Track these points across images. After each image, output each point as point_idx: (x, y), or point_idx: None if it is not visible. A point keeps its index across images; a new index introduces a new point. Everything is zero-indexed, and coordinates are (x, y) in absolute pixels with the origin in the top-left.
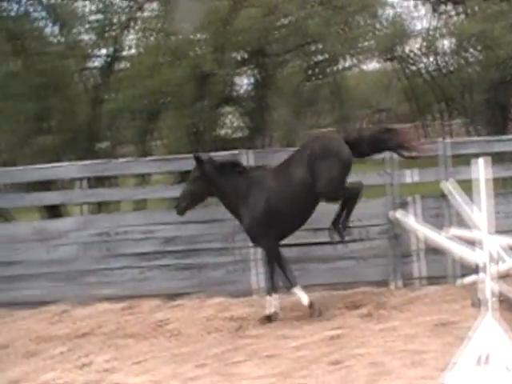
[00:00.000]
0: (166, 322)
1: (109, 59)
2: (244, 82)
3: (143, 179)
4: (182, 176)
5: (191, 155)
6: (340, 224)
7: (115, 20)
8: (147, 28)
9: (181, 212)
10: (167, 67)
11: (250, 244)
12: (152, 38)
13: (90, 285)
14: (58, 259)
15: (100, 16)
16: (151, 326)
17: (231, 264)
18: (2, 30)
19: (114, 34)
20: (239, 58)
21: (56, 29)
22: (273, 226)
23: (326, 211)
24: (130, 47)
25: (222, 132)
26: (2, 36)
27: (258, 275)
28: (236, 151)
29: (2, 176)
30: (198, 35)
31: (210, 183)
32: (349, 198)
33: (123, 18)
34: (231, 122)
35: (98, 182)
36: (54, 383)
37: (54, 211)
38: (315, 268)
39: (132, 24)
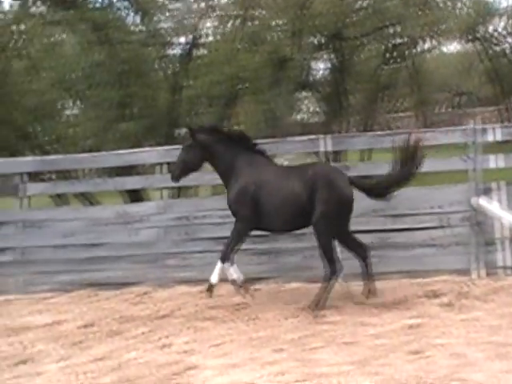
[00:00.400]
0: (244, 306)
1: (188, 46)
2: (320, 67)
3: None
4: None
5: (267, 140)
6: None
7: (194, 7)
8: (225, 15)
9: (175, 179)
10: (244, 53)
11: None
12: (229, 25)
13: (170, 267)
14: (139, 242)
15: (179, 4)
16: (229, 310)
17: (308, 249)
18: (88, 21)
19: (192, 21)
20: (316, 42)
21: (137, 18)
22: (252, 212)
23: (404, 197)
24: (207, 34)
25: (299, 117)
26: (87, 27)
27: None
28: (312, 136)
29: (88, 161)
30: (276, 20)
31: (205, 150)
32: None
33: (202, 5)
34: (307, 107)
35: None
36: (136, 362)
37: (135, 195)
38: (393, 255)
39: (210, 11)
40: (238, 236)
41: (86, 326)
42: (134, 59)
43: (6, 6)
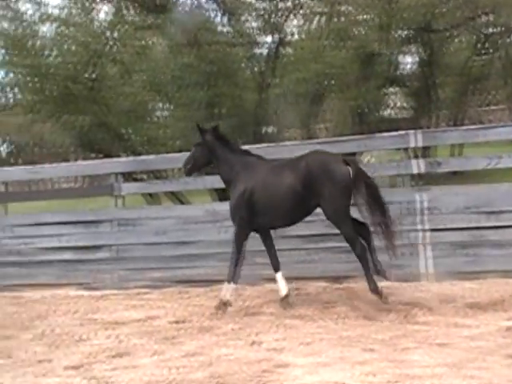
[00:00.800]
0: (333, 304)
1: (274, 45)
2: (408, 61)
3: None
4: None
5: (355, 137)
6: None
7: (280, 6)
8: (311, 12)
9: (186, 174)
10: (331, 50)
11: (419, 227)
12: (315, 22)
13: (259, 265)
14: (227, 240)
15: (266, 3)
16: (318, 308)
17: (398, 247)
18: (178, 23)
19: (279, 20)
20: (404, 35)
21: (225, 19)
22: (251, 215)
23: (499, 193)
24: (294, 32)
25: (386, 113)
26: (177, 29)
27: (426, 259)
28: (402, 132)
29: (178, 161)
30: (362, 15)
31: (210, 151)
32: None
33: (288, 3)
34: (395, 103)
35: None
36: (227, 359)
37: (224, 194)
38: (488, 254)
39: (297, 9)
40: (237, 244)
41: (177, 322)
42: (222, 60)
43: (102, 15)
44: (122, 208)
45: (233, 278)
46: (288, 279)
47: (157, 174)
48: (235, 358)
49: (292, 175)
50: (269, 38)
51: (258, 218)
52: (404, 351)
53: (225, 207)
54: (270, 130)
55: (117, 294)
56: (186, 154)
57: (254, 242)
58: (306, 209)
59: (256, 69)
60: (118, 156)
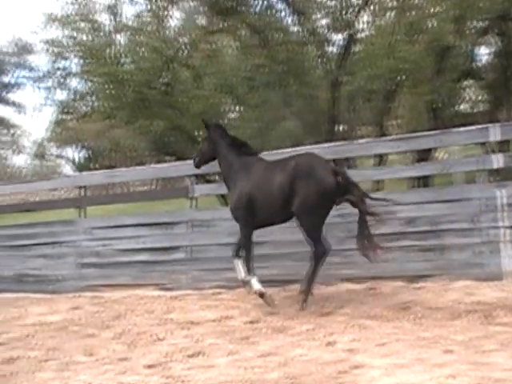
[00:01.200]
0: (409, 304)
1: (345, 42)
2: (485, 52)
3: (380, 159)
4: (421, 155)
5: (430, 133)
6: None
7: (351, 3)
8: (382, 7)
9: (196, 166)
10: (403, 44)
11: (500, 224)
12: (387, 17)
13: (333, 265)
14: (300, 240)
15: (336, 0)
16: (394, 308)
17: (478, 245)
18: (249, 25)
19: (349, 16)
20: (480, 26)
21: (295, 18)
22: (251, 214)
23: None
24: (364, 28)
25: (461, 107)
26: (248, 30)
27: (509, 258)
28: (480, 126)
29: None
30: (436, 8)
31: (213, 147)
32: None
33: (359, 0)
34: (470, 96)
35: (338, 163)
36: (301, 359)
37: None
38: None
39: (367, 5)
40: (244, 239)
41: (252, 322)
42: (293, 59)
43: (172, 23)
44: (196, 209)
45: (250, 273)
46: (362, 279)
47: None
48: (310, 359)
49: (281, 174)
50: (339, 36)
51: (258, 215)
52: (486, 353)
53: None
54: (342, 127)
55: (191, 295)
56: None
57: (328, 241)
58: (288, 210)
59: (328, 67)
60: (191, 158)
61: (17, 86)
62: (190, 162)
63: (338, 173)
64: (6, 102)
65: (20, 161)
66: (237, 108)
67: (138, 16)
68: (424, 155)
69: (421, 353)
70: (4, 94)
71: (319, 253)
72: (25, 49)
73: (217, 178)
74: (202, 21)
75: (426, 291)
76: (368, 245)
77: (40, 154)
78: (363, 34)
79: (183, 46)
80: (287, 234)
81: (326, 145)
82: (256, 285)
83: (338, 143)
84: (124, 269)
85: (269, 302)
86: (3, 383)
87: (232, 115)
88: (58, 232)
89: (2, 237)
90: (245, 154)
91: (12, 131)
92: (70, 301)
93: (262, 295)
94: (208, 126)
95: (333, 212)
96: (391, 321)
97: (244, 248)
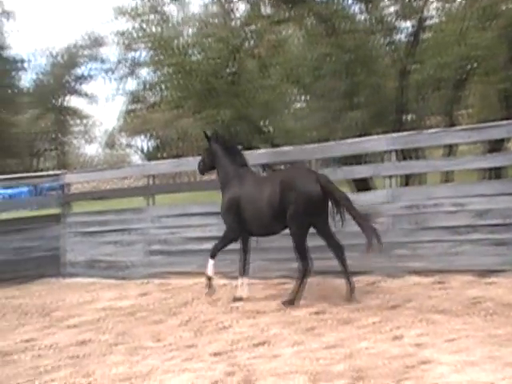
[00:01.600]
0: (480, 299)
1: (414, 29)
2: None
3: (450, 150)
4: (493, 145)
5: (503, 123)
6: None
7: None
8: None
9: (200, 173)
10: (475, 31)
11: None
12: (457, 2)
13: (400, 257)
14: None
15: None
16: (463, 303)
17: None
18: (315, 13)
19: (418, 3)
20: None
21: (362, 6)
22: (237, 220)
23: None
24: (434, 15)
25: None
26: (315, 19)
27: None
28: None
29: (318, 151)
30: None
31: (213, 157)
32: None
33: None
34: None
35: (406, 154)
36: (368, 352)
37: (363, 184)
38: None
39: None
40: (224, 240)
41: (317, 313)
42: (361, 48)
43: (238, 13)
44: None
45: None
46: (430, 272)
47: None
48: (377, 352)
49: (270, 189)
50: (408, 23)
51: (246, 225)
52: None
53: (364, 197)
54: (410, 117)
55: (256, 284)
56: (325, 145)
57: (395, 233)
58: (281, 221)
59: (396, 55)
60: (257, 148)
61: (89, 77)
62: (257, 151)
63: (321, 180)
64: (79, 94)
65: (92, 150)
66: (303, 98)
67: (204, 6)
68: (496, 146)
69: (492, 351)
70: (77, 85)
71: (304, 269)
72: (97, 41)
73: (282, 167)
74: (267, 10)
75: (498, 286)
76: (366, 224)
77: (110, 144)
78: (432, 21)
79: (249, 36)
80: (352, 225)
81: (393, 135)
82: (210, 269)
83: (406, 133)
84: (191, 257)
85: (209, 288)
86: (76, 364)
87: (298, 105)
88: (128, 219)
89: (75, 223)
90: (239, 164)
91: (84, 121)
92: (138, 287)
93: (209, 278)
94: (208, 138)
95: (399, 204)
96: (460, 316)
97: (221, 244)
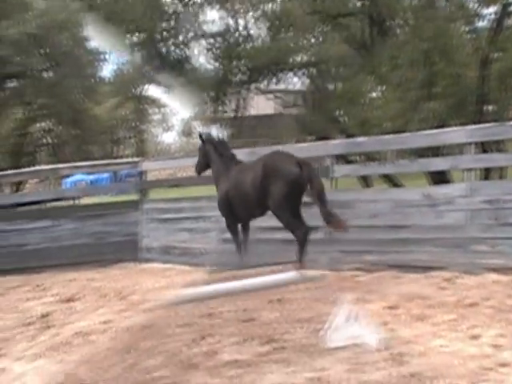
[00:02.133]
0: None
1: (497, 16)
2: None
3: None
4: None
5: None
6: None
7: None
8: None
9: (197, 172)
10: None
11: None
12: None
13: (477, 253)
14: (444, 225)
15: None
16: None
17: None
18: None
19: None
20: None
21: None
22: (231, 210)
23: None
24: None
25: None
26: None
27: None
28: None
29: (394, 143)
30: None
31: (206, 156)
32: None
33: None
34: None
35: (486, 146)
36: (442, 350)
37: (440, 177)
38: None
39: None
40: (230, 233)
41: (390, 308)
42: (440, 35)
43: None
44: (337, 190)
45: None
46: (510, 269)
47: (370, 157)
48: (452, 351)
49: (252, 175)
50: (490, 9)
51: (237, 211)
52: None
53: (441, 191)
54: (492, 108)
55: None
56: (400, 136)
57: (473, 228)
58: (264, 204)
59: (477, 43)
60: (333, 138)
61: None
62: (330, 141)
63: (303, 164)
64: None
65: (169, 138)
66: (379, 87)
67: None
68: None
69: None
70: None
71: (301, 235)
72: None
73: (357, 158)
74: None
75: None
76: (333, 220)
77: (186, 132)
78: None
79: None
80: (429, 219)
81: (473, 127)
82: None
83: (486, 125)
84: (263, 246)
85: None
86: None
87: (374, 94)
88: (203, 207)
89: (151, 210)
90: (228, 157)
91: (162, 110)
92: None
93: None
94: (202, 139)
95: (478, 198)
96: None
97: (232, 236)
